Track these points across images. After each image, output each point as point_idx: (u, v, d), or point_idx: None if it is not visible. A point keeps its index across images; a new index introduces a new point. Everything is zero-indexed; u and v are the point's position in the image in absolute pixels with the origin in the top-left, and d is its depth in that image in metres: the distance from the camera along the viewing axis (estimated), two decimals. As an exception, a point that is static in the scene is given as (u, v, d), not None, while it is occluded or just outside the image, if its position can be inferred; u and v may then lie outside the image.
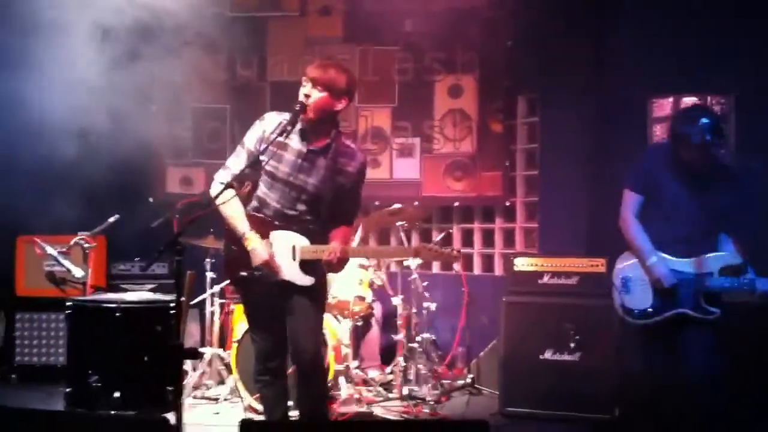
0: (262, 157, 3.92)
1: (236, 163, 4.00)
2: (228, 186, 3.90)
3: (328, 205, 3.96)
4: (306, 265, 3.92)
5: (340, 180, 3.96)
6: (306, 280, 3.91)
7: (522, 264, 5.66)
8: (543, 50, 6.59)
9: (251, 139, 3.99)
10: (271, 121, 3.99)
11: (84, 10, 6.13)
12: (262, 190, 3.99)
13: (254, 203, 4.01)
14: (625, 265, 4.53)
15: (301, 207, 3.95)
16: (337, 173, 3.95)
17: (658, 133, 6.18)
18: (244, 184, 4.04)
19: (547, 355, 5.47)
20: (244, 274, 3.96)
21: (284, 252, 3.93)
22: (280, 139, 3.89)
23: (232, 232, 3.98)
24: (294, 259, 3.91)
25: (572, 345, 5.41)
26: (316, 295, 4.05)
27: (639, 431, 4.88)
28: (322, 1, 7.40)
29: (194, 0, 6.78)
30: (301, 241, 3.93)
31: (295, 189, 3.94)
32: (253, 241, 3.89)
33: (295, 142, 3.95)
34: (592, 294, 5.38)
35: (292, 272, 3.92)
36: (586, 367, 5.35)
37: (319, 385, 4.10)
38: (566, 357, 5.43)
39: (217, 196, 3.85)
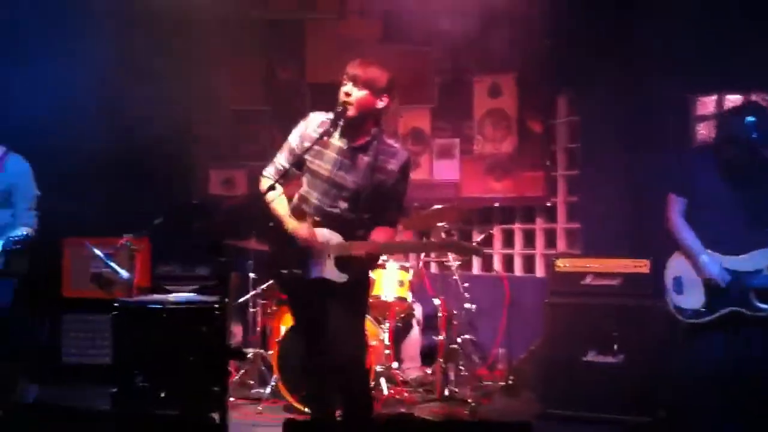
0: (306, 156, 3.95)
1: (281, 159, 4.09)
2: (276, 180, 3.96)
3: (369, 204, 3.96)
4: (341, 262, 3.93)
5: (381, 177, 3.96)
6: (341, 277, 3.91)
7: (564, 265, 5.61)
8: (582, 48, 6.52)
9: (294, 136, 4.06)
10: (315, 119, 4.03)
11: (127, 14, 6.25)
12: (304, 187, 4.04)
13: (296, 201, 4.05)
14: (676, 265, 4.51)
15: (342, 204, 3.96)
16: (378, 171, 3.95)
17: (702, 131, 6.10)
18: (290, 179, 4.09)
19: (590, 356, 5.41)
20: (284, 272, 3.98)
21: (321, 246, 3.94)
22: (324, 137, 3.92)
23: (275, 230, 4.01)
24: (329, 257, 3.92)
25: (616, 347, 5.34)
26: (356, 295, 4.05)
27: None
28: (360, 2, 7.42)
29: (234, 4, 6.88)
30: (335, 239, 3.94)
31: (336, 186, 3.95)
32: (292, 223, 3.94)
33: (336, 140, 3.97)
34: (636, 295, 5.32)
35: (328, 269, 3.92)
36: (630, 369, 5.27)
37: (361, 385, 4.08)
38: (609, 359, 5.37)
39: (262, 188, 3.89)
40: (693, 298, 4.41)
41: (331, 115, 3.97)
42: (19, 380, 6.23)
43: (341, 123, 3.93)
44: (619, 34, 6.34)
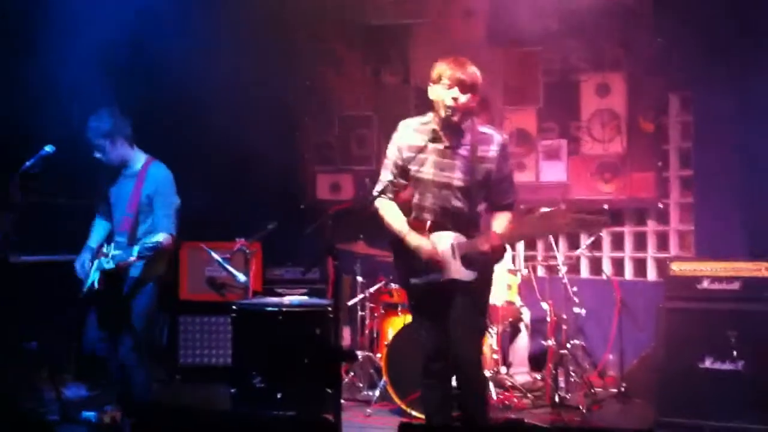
0: (408, 166, 3.99)
1: (385, 175, 4.12)
2: (381, 195, 4.01)
3: (482, 195, 3.97)
4: (467, 260, 3.93)
5: (485, 167, 3.96)
6: (470, 275, 3.92)
7: (679, 268, 5.44)
8: (696, 45, 6.31)
9: (392, 150, 4.09)
10: (407, 127, 4.07)
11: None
12: (416, 196, 4.05)
13: (414, 212, 4.07)
14: None
15: (456, 203, 3.97)
16: (480, 161, 3.95)
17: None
18: (396, 194, 4.12)
19: (707, 363, 5.23)
20: (416, 281, 4.02)
21: (446, 251, 3.96)
22: (420, 143, 3.94)
23: (398, 240, 4.06)
24: (455, 257, 3.93)
25: (735, 353, 5.15)
26: (480, 297, 4.06)
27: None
28: (465, 4, 7.40)
29: (340, 10, 6.98)
30: (458, 238, 3.95)
31: (445, 187, 3.97)
32: (414, 239, 3.96)
33: (429, 141, 3.98)
34: (757, 299, 5.12)
35: (455, 270, 3.93)
36: (750, 376, 5.08)
37: (480, 390, 4.09)
38: (728, 365, 5.19)
39: (371, 205, 3.93)
40: None
41: (422, 120, 4.01)
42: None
43: (435, 124, 3.95)
44: (736, 28, 6.11)
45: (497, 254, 3.97)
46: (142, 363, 4.82)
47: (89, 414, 4.82)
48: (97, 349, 4.90)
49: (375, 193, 4.12)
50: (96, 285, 4.72)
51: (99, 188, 5.01)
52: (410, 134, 4.03)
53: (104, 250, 4.78)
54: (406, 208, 4.11)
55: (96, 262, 4.78)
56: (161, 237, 4.61)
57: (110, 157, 4.82)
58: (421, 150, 3.96)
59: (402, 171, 4.04)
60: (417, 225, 4.02)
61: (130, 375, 4.78)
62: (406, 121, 4.12)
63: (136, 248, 4.54)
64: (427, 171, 3.99)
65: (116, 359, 4.80)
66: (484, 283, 4.07)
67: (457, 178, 3.95)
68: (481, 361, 4.15)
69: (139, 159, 4.92)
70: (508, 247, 4.23)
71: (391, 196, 4.08)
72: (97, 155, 4.81)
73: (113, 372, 4.88)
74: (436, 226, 3.98)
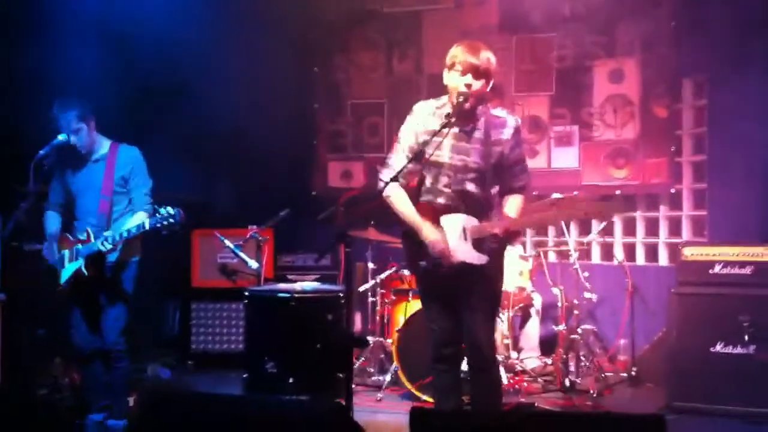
0: (425, 149, 3.97)
1: (397, 160, 4.05)
2: (393, 181, 3.98)
3: (494, 178, 3.96)
4: (478, 244, 3.93)
5: (498, 150, 3.94)
6: (481, 259, 3.90)
7: (692, 253, 5.43)
8: (710, 29, 6.27)
9: (407, 134, 4.05)
10: (421, 111, 4.03)
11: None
12: (428, 180, 4.03)
13: (425, 195, 4.05)
14: None
15: (470, 186, 3.95)
16: (493, 144, 3.93)
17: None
18: (409, 179, 4.10)
19: (719, 348, 5.24)
20: (423, 263, 4.02)
21: (455, 234, 3.94)
22: (435, 127, 3.92)
23: (407, 226, 4.06)
24: (466, 240, 3.93)
25: (746, 337, 5.15)
26: (493, 283, 4.04)
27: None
28: (476, -10, 7.38)
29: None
30: (470, 221, 3.94)
31: (459, 170, 3.95)
32: (427, 232, 3.95)
33: (449, 126, 3.97)
34: (768, 284, 5.11)
35: (465, 253, 3.92)
36: (762, 361, 5.09)
37: (493, 376, 4.07)
38: (739, 350, 5.19)
39: (381, 192, 3.92)
40: None
41: (436, 103, 4.00)
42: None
43: (449, 108, 3.94)
44: (750, 11, 6.07)
45: (511, 238, 3.96)
46: (128, 349, 4.82)
47: (96, 416, 4.83)
48: (88, 344, 4.83)
49: (386, 179, 4.07)
50: (84, 272, 4.63)
51: (51, 180, 4.91)
52: (426, 118, 4.00)
53: (81, 237, 4.69)
54: (412, 193, 4.09)
55: (73, 251, 4.69)
56: (145, 216, 4.64)
57: (84, 141, 4.73)
58: (437, 133, 3.95)
59: (417, 155, 4.02)
60: (428, 209, 4.01)
61: (116, 361, 4.77)
62: (421, 103, 4.08)
63: (146, 221, 4.51)
64: (444, 154, 3.97)
65: (103, 347, 4.76)
66: (496, 269, 4.05)
67: (472, 161, 3.94)
68: (494, 348, 4.13)
69: (103, 144, 4.85)
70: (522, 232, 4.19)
71: (403, 182, 4.05)
72: (64, 137, 4.67)
73: (97, 366, 4.83)
74: (450, 210, 3.97)
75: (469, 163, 3.93)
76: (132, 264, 4.82)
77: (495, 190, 4.02)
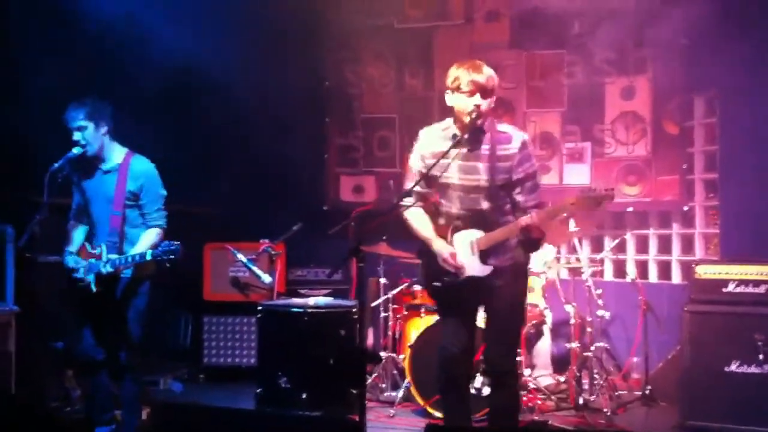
0: (433, 172, 4.00)
1: (410, 185, 4.12)
2: (406, 197, 4.03)
3: (507, 194, 3.95)
4: (485, 256, 3.92)
5: (506, 165, 3.95)
6: (485, 270, 3.90)
7: (705, 272, 5.41)
8: (720, 46, 6.26)
9: (415, 160, 4.10)
10: (427, 136, 4.07)
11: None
12: (444, 203, 4.07)
13: (441, 218, 4.08)
14: None
15: (483, 205, 3.96)
16: (501, 160, 3.94)
17: None
18: (425, 199, 4.15)
19: (733, 367, 5.21)
20: (437, 284, 4.03)
21: (464, 250, 3.96)
22: (442, 149, 3.94)
23: (424, 245, 4.08)
24: (473, 254, 3.93)
25: (761, 357, 5.12)
26: (511, 296, 4.02)
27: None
28: (488, 7, 7.40)
29: (364, 14, 7.00)
30: (477, 235, 3.94)
31: (471, 191, 3.97)
32: (437, 246, 3.97)
33: (455, 146, 3.98)
34: (783, 303, 5.08)
35: (472, 266, 3.93)
36: (777, 380, 5.06)
37: (509, 391, 4.06)
38: (754, 369, 5.16)
39: (395, 207, 3.95)
40: None
41: (441, 125, 4.02)
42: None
43: (455, 130, 3.95)
44: (760, 29, 6.07)
45: (527, 246, 3.93)
46: (139, 365, 4.84)
47: (103, 429, 4.84)
48: (94, 355, 4.81)
49: (403, 204, 4.12)
50: (92, 288, 4.63)
51: (71, 189, 4.92)
52: (432, 141, 4.03)
53: (95, 251, 4.69)
54: (432, 215, 4.12)
55: (87, 264, 4.68)
56: (158, 234, 4.66)
57: (91, 143, 4.67)
58: (444, 155, 3.96)
59: (427, 179, 4.06)
60: (445, 230, 4.04)
61: (129, 375, 4.77)
62: (426, 129, 4.13)
63: (149, 252, 4.51)
64: (452, 176, 3.99)
65: (114, 363, 4.76)
66: (514, 283, 4.04)
67: (481, 179, 3.95)
68: (512, 362, 4.10)
69: (118, 153, 4.79)
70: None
71: (421, 204, 4.11)
72: (78, 150, 4.65)
73: (103, 378, 4.84)
74: (463, 228, 3.98)
75: (479, 181, 3.94)
76: (145, 281, 4.81)
77: (508, 206, 4.02)
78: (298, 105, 7.07)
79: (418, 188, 4.07)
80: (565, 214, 4.48)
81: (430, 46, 7.58)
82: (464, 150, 3.96)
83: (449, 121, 4.05)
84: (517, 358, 5.75)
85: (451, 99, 3.98)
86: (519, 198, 3.97)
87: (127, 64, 6.15)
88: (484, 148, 3.95)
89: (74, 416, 5.35)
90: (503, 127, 4.04)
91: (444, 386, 4.16)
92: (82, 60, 5.98)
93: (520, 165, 3.96)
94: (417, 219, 4.10)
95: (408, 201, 4.10)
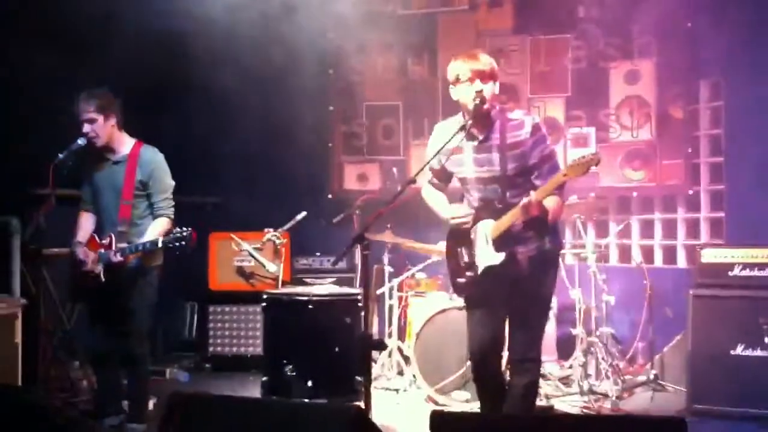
0: (449, 168, 4.04)
1: (423, 175, 4.15)
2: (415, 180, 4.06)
3: (525, 180, 3.93)
4: (497, 243, 3.90)
5: (518, 152, 3.91)
6: (497, 258, 3.88)
7: (711, 255, 5.41)
8: (726, 29, 6.23)
9: (430, 155, 4.08)
10: (440, 131, 4.07)
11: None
12: (466, 198, 4.07)
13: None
14: None
15: (501, 195, 3.93)
16: (514, 147, 3.91)
17: None
18: (442, 189, 4.21)
19: (739, 350, 5.22)
20: (461, 280, 4.03)
21: (480, 241, 3.96)
22: (456, 144, 3.94)
23: (450, 243, 4.11)
24: (487, 243, 3.92)
25: (766, 340, 5.13)
26: (534, 285, 3.97)
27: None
28: (491, -8, 7.36)
29: (366, 0, 6.97)
30: (490, 224, 3.94)
31: (489, 181, 3.95)
32: (447, 212, 4.08)
33: (464, 140, 3.97)
34: (788, 286, 5.08)
35: (486, 256, 3.92)
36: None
37: (527, 380, 4.00)
38: (759, 353, 5.17)
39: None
40: None
41: (453, 120, 4.03)
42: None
43: (464, 122, 3.95)
44: (766, 13, 6.04)
45: (542, 228, 3.91)
46: (147, 354, 4.87)
47: (110, 420, 4.86)
48: (102, 345, 4.85)
49: (421, 181, 4.15)
50: (102, 277, 4.65)
51: (82, 180, 4.94)
52: (445, 136, 4.02)
53: (104, 241, 4.71)
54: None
55: (97, 254, 4.70)
56: (165, 223, 4.68)
57: (100, 135, 4.73)
58: (458, 150, 3.97)
59: (442, 174, 4.11)
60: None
61: (137, 365, 4.80)
62: (440, 123, 4.15)
63: (160, 239, 4.55)
64: (468, 169, 3.99)
65: (121, 353, 4.79)
66: (537, 272, 3.97)
67: (498, 169, 3.93)
68: (534, 352, 4.02)
69: (127, 144, 4.84)
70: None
71: (440, 186, 4.19)
72: (83, 138, 4.70)
73: (110, 369, 4.87)
74: (486, 219, 3.97)
75: (497, 172, 3.93)
76: (152, 270, 4.82)
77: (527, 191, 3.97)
78: (301, 92, 7.05)
79: (431, 179, 4.15)
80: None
81: (434, 33, 7.55)
82: (476, 142, 3.96)
83: (460, 114, 4.06)
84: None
85: (454, 92, 3.98)
86: (537, 182, 3.90)
87: (126, 49, 6.14)
88: (495, 138, 3.93)
89: (81, 407, 5.36)
90: (514, 114, 4.01)
91: (477, 383, 4.18)
92: (86, 50, 5.97)
93: (535, 149, 3.92)
94: (431, 195, 4.18)
95: (426, 179, 4.17)
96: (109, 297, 4.75)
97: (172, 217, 4.80)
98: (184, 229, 4.54)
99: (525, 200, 3.73)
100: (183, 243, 4.50)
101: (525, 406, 3.98)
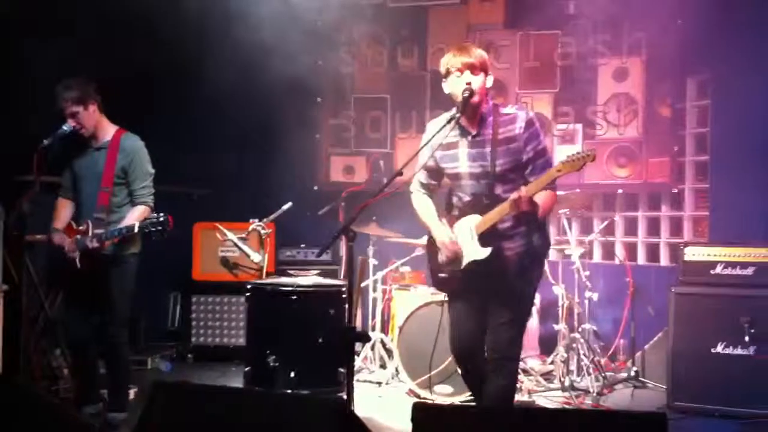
0: (441, 164, 4.03)
1: (420, 175, 4.15)
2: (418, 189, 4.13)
3: (518, 176, 3.91)
4: (486, 239, 3.90)
5: (513, 146, 3.90)
6: (484, 253, 3.87)
7: (693, 254, 5.44)
8: (714, 28, 6.24)
9: (422, 152, 4.06)
10: (434, 127, 4.05)
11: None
12: (456, 193, 4.05)
13: (454, 209, 4.08)
14: None
15: (494, 190, 3.92)
16: (507, 142, 3.90)
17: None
18: (432, 191, 4.20)
19: (719, 348, 5.25)
20: (443, 275, 4.03)
21: (465, 236, 3.94)
22: (450, 140, 3.94)
23: (431, 239, 4.10)
24: (472, 239, 3.91)
25: (747, 338, 5.16)
26: (515, 281, 3.95)
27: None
28: (483, -14, 7.35)
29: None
30: (476, 219, 3.93)
31: (481, 177, 3.93)
32: (437, 233, 4.02)
33: (458, 135, 3.97)
34: (769, 285, 5.12)
35: (471, 251, 3.91)
36: (762, 361, 5.10)
37: (506, 378, 3.98)
38: (740, 351, 5.20)
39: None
40: None
41: (447, 116, 3.99)
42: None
43: (460, 116, 3.93)
44: (755, 12, 6.06)
45: (529, 224, 3.91)
46: (128, 341, 4.84)
47: (90, 408, 4.84)
48: (81, 333, 4.79)
49: (413, 189, 4.17)
50: (78, 264, 4.62)
51: (63, 165, 4.89)
52: (437, 133, 4.00)
53: (81, 227, 4.69)
54: (445, 206, 4.15)
55: (73, 240, 4.66)
56: (143, 210, 4.66)
57: (86, 125, 4.71)
58: (451, 146, 3.96)
59: (435, 171, 4.10)
60: (452, 220, 4.05)
61: (116, 353, 4.77)
62: (434, 120, 4.12)
63: (136, 224, 4.52)
64: (462, 165, 3.97)
65: (100, 341, 4.76)
66: (518, 268, 3.95)
67: (490, 165, 3.91)
68: (512, 349, 3.99)
69: (108, 131, 4.82)
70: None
71: (425, 192, 4.14)
72: (68, 126, 4.68)
73: (89, 356, 4.84)
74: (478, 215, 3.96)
75: (489, 167, 3.91)
76: (129, 257, 4.79)
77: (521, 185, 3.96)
78: (289, 83, 7.02)
79: (424, 180, 4.13)
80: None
81: (425, 26, 7.53)
82: (470, 138, 3.95)
83: (454, 110, 4.03)
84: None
85: (446, 86, 3.97)
86: (531, 178, 3.88)
87: (114, 35, 6.09)
88: (488, 133, 3.93)
89: (61, 395, 5.34)
90: (507, 109, 4.00)
91: (464, 376, 4.18)
92: (69, 37, 5.92)
93: (528, 144, 3.90)
94: (422, 206, 4.15)
95: (416, 186, 4.16)
96: (87, 284, 4.72)
97: (152, 205, 4.77)
98: (161, 214, 4.52)
99: (515, 195, 3.72)
100: (160, 228, 4.47)
101: (508, 400, 4.00)
